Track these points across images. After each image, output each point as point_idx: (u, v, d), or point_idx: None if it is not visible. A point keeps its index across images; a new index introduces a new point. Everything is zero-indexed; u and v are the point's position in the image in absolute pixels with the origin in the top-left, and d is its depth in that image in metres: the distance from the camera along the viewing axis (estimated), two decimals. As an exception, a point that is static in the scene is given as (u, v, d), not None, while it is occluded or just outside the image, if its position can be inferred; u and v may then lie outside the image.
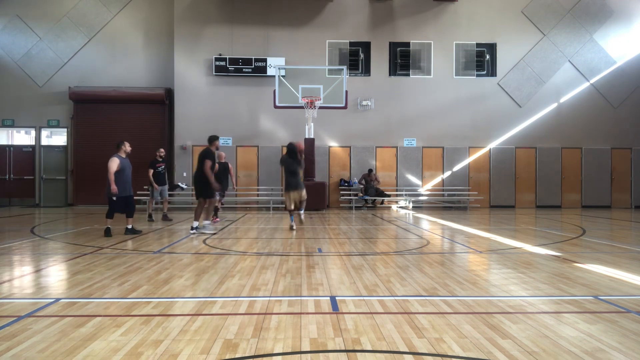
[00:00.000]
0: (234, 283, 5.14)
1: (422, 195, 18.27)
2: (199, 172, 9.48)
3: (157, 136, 18.50)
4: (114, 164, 9.08)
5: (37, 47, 18.31)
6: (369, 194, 17.15)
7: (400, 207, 18.00)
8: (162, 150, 12.86)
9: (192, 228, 9.60)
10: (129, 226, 9.60)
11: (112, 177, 8.99)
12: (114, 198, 9.08)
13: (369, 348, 3.19)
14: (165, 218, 12.85)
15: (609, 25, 18.77)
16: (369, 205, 17.45)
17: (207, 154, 9.48)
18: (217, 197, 11.07)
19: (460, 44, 18.51)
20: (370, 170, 17.50)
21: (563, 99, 18.73)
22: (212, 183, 9.44)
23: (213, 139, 10.01)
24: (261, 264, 6.26)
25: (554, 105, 18.71)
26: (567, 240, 8.96)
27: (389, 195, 17.64)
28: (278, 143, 18.16)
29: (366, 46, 18.35)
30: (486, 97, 18.54)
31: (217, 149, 10.29)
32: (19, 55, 18.29)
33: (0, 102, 18.32)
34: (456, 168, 18.52)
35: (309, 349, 3.16)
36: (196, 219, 9.67)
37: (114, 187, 8.94)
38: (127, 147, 9.51)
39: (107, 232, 9.23)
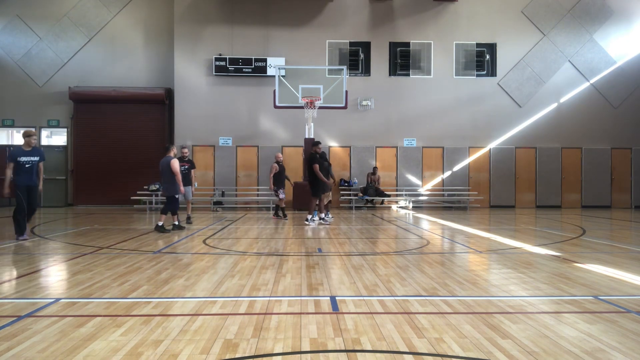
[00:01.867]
0: (234, 283, 5.14)
1: (422, 195, 18.27)
2: (310, 174, 11.50)
3: (157, 136, 18.50)
4: (177, 164, 9.77)
5: (37, 47, 18.30)
6: (369, 193, 17.15)
7: (400, 207, 18.00)
8: (185, 149, 12.10)
9: (307, 220, 11.60)
10: (176, 222, 10.23)
11: (179, 178, 9.76)
12: (177, 196, 9.99)
13: (369, 348, 3.19)
14: (188, 220, 11.78)
15: (609, 25, 18.76)
16: (369, 205, 17.44)
17: (313, 158, 11.34)
18: (281, 197, 13.01)
19: (460, 44, 18.51)
20: (375, 169, 17.56)
21: (563, 99, 18.73)
22: (323, 181, 11.33)
23: (316, 144, 11.79)
24: (261, 264, 6.26)
25: (554, 105, 18.71)
26: (567, 240, 8.96)
27: (388, 195, 17.63)
28: (278, 143, 18.16)
29: (366, 46, 18.35)
30: (486, 97, 18.53)
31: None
32: (19, 55, 18.28)
33: (0, 102, 18.32)
34: (456, 168, 18.51)
35: (309, 349, 3.16)
36: (310, 212, 11.73)
37: (182, 188, 9.89)
38: (175, 149, 10.31)
39: (180, 227, 10.12)
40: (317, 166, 11.22)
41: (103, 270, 5.83)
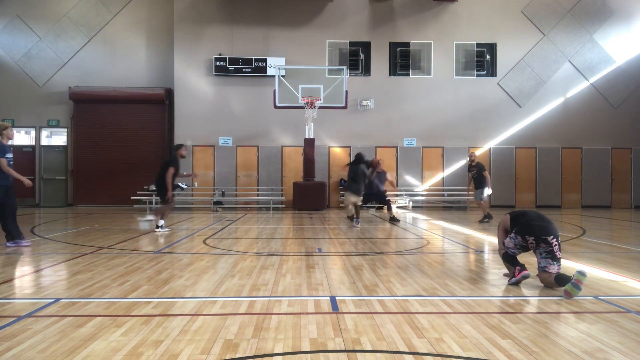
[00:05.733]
0: (234, 283, 5.14)
1: (421, 195, 18.27)
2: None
3: (157, 136, 18.51)
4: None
5: (37, 47, 18.30)
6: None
7: (400, 207, 17.98)
8: (472, 153, 13.16)
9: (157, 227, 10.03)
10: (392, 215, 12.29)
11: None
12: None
13: (369, 348, 3.19)
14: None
15: (609, 25, 18.76)
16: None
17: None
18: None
19: (460, 44, 18.51)
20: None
21: (563, 99, 18.73)
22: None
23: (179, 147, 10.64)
24: (261, 264, 6.26)
25: (554, 105, 18.70)
26: (567, 240, 8.96)
27: (390, 201, 17.45)
28: (278, 143, 18.17)
29: (366, 46, 18.34)
30: (486, 97, 18.53)
31: None
32: (19, 55, 18.29)
33: (0, 102, 18.32)
34: (456, 168, 18.52)
35: (309, 349, 3.16)
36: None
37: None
38: (376, 160, 12.38)
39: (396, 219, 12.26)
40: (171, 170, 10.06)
41: (103, 270, 5.83)
